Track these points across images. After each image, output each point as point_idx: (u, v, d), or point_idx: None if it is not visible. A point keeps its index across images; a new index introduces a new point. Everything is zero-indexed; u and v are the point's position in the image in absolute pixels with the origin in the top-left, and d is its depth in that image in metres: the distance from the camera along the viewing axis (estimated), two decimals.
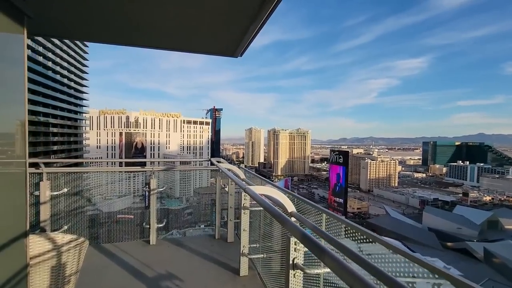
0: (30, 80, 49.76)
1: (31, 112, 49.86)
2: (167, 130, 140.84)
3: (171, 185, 5.12)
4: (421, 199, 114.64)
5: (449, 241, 61.49)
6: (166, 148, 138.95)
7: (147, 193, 4.47)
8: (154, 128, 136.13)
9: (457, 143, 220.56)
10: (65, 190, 3.98)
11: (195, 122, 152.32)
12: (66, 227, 4.05)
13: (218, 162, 4.40)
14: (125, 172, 5.50)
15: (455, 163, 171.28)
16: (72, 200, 4.32)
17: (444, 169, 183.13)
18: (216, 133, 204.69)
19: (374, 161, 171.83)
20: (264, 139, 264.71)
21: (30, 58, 50.03)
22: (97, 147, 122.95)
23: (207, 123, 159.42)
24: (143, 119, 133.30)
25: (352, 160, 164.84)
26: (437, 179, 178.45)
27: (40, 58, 53.03)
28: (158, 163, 5.95)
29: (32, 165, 3.73)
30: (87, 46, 72.75)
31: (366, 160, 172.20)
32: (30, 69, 49.59)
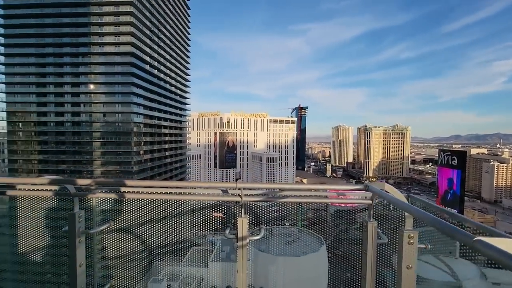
0: (149, 90, 60.31)
1: (149, 117, 60.49)
2: (255, 130, 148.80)
3: None
4: None
5: None
6: (254, 147, 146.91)
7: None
8: (243, 128, 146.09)
9: None
10: None
11: (280, 121, 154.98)
12: None
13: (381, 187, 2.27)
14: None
15: None
16: None
17: None
18: (301, 131, 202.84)
19: (505, 164, 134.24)
20: (353, 137, 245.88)
21: (149, 72, 60.78)
22: (197, 145, 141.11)
23: (292, 122, 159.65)
24: (234, 120, 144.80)
25: (470, 162, 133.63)
26: None
27: (155, 71, 63.72)
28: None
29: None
30: (189, 64, 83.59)
31: (491, 163, 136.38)
32: (149, 81, 60.04)
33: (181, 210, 2.73)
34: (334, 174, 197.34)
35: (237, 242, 2.21)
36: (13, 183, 2.39)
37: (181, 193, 2.67)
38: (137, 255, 3.02)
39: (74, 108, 54.58)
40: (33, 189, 2.42)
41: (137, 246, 2.96)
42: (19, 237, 2.78)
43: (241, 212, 2.26)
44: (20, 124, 55.14)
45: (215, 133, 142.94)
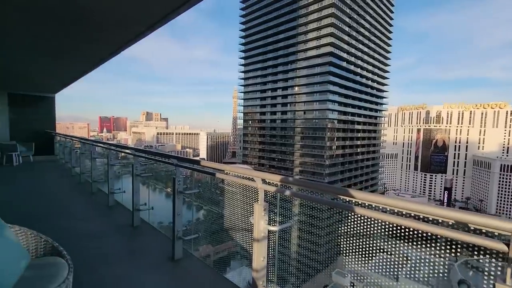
0: (344, 87, 61.11)
1: (342, 113, 61.40)
2: (481, 126, 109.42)
3: None
4: None
5: None
6: (478, 148, 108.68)
7: None
8: (461, 123, 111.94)
9: None
10: None
11: None
12: None
13: None
14: None
15: None
16: None
17: None
18: None
19: None
20: None
21: (345, 69, 61.49)
22: (393, 143, 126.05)
23: None
24: (447, 113, 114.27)
25: None
26: None
27: (351, 67, 63.24)
28: None
29: None
30: (389, 53, 75.44)
31: None
32: (344, 78, 60.82)
33: None
34: None
35: None
36: (219, 169, 2.78)
37: None
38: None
39: (283, 108, 66.53)
40: (232, 174, 2.70)
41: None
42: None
43: None
44: (250, 121, 75.26)
45: (418, 130, 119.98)
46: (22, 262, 1.92)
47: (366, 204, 1.68)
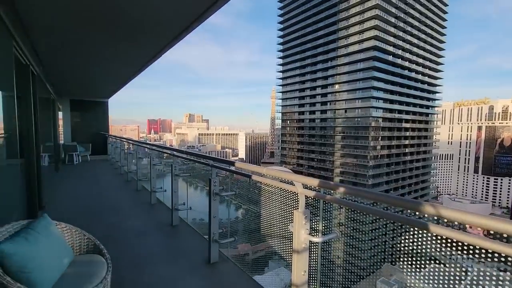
0: (390, 82, 57.09)
1: (388, 110, 57.37)
2: None
3: None
4: None
5: None
6: None
7: None
8: None
9: None
10: None
11: None
12: None
13: None
14: None
15: None
16: None
17: None
18: None
19: None
20: None
21: (391, 63, 57.36)
22: (448, 143, 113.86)
23: None
24: None
25: None
26: None
27: (398, 61, 58.61)
28: None
29: None
30: (443, 43, 68.28)
31: None
32: (390, 73, 56.85)
33: None
34: None
35: None
36: (256, 171, 2.60)
37: None
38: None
39: (322, 107, 64.45)
40: (269, 177, 2.51)
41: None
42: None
43: None
44: (288, 121, 74.44)
45: (479, 128, 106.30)
46: (65, 259, 1.97)
47: (437, 219, 1.34)
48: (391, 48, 56.94)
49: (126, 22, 3.69)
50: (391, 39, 56.54)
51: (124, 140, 8.73)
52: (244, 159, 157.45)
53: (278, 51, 76.47)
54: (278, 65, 77.11)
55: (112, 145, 10.87)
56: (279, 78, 77.24)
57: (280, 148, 79.36)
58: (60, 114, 11.58)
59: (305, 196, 2.00)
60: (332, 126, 61.73)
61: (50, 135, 7.41)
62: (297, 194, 2.02)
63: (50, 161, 7.91)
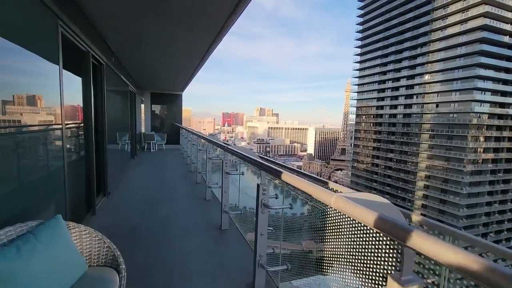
0: (503, 70, 45.99)
1: (498, 105, 46.34)
2: None
3: None
4: None
5: None
6: None
7: None
8: None
9: None
10: None
11: None
12: None
13: None
14: None
15: None
16: None
17: None
18: None
19: None
20: None
21: (507, 45, 45.91)
22: None
23: None
24: None
25: None
26: None
27: None
28: None
29: None
30: None
31: None
32: (505, 57, 45.85)
33: None
34: None
35: None
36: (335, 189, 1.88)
37: None
38: None
39: (406, 100, 56.31)
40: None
41: None
42: None
43: None
44: (364, 116, 68.00)
45: None
46: (76, 271, 1.63)
47: None
48: (508, 27, 45.19)
49: (180, 5, 3.44)
50: (509, 14, 44.77)
51: (189, 130, 8.97)
52: (313, 154, 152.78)
53: (356, 39, 70.16)
54: (356, 55, 70.89)
55: (182, 135, 11.47)
56: (355, 70, 71.07)
57: (352, 145, 73.52)
58: (142, 106, 12.88)
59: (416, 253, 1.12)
60: (418, 123, 53.38)
61: (127, 125, 8.05)
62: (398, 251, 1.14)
63: (131, 148, 8.71)
